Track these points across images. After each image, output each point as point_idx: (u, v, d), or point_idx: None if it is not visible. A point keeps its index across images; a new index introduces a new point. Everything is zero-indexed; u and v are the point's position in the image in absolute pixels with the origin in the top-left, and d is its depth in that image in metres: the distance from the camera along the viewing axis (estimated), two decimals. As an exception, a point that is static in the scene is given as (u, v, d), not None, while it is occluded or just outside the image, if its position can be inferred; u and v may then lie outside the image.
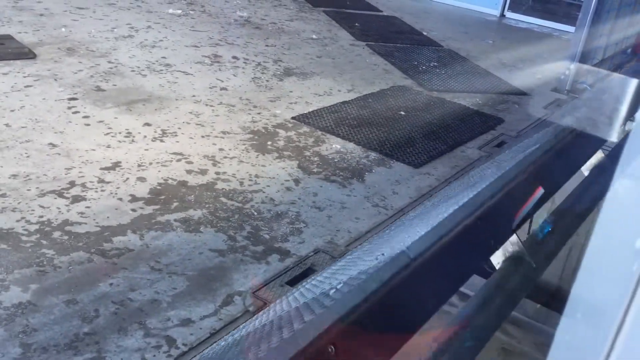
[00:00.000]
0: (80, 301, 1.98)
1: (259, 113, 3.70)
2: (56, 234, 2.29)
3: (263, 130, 3.46)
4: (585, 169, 3.66)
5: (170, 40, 4.84)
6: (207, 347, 1.83)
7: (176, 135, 3.23)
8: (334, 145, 3.42)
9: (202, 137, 3.27)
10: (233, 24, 5.61)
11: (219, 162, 3.01)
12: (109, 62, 4.15)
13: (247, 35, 5.30)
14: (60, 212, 2.42)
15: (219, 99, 3.83)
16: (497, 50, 6.14)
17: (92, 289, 2.04)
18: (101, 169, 2.79)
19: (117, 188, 2.65)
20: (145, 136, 3.17)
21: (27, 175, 2.65)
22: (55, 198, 2.51)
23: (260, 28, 5.62)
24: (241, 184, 2.85)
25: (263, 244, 2.43)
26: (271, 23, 5.85)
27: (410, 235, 1.89)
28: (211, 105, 3.70)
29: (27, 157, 2.80)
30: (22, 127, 3.08)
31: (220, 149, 3.15)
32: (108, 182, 2.69)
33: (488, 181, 2.29)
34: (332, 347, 1.49)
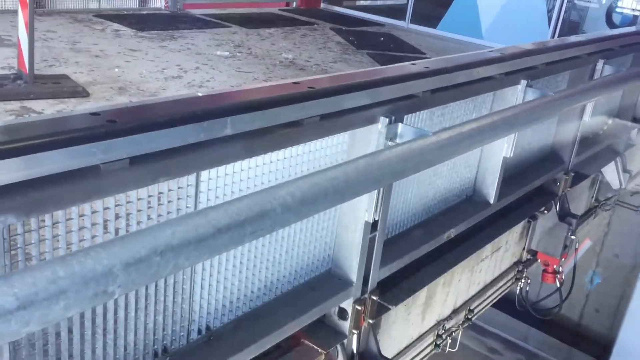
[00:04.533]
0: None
1: (300, 152, 3.74)
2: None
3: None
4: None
5: (217, 80, 4.98)
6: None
7: (218, 173, 3.29)
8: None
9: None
10: (278, 65, 5.75)
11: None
12: (158, 101, 4.29)
13: (290, 76, 5.40)
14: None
15: (262, 137, 3.89)
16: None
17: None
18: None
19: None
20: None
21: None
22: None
23: (304, 69, 5.73)
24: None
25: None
26: (315, 65, 5.96)
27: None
28: (254, 144, 3.76)
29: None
30: (73, 162, 3.20)
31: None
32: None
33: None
34: None
